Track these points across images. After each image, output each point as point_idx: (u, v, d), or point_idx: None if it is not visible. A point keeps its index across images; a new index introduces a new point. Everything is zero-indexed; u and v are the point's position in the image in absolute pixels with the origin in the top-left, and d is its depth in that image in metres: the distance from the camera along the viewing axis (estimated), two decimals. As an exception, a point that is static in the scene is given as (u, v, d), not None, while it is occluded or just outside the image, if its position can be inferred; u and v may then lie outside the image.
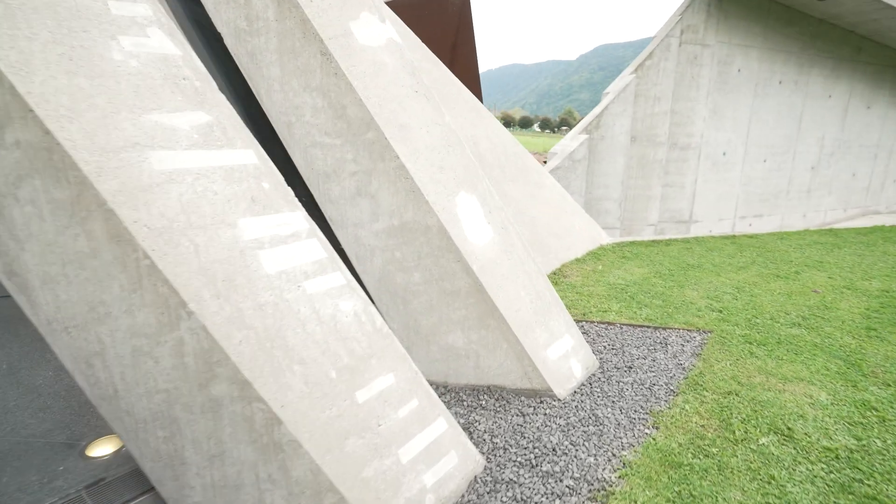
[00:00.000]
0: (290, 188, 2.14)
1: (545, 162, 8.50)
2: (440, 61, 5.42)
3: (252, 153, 2.06)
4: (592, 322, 4.19)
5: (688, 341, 3.89)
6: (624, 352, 3.67)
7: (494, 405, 2.88)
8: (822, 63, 9.59)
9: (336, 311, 2.07)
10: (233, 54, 2.66)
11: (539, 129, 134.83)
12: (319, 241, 2.14)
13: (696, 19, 8.24)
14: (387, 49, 2.93)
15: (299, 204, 2.14)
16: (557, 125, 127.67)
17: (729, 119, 9.00)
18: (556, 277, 5.43)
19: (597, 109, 8.11)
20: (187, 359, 1.73)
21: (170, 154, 1.79)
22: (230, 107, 2.06)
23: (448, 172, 2.94)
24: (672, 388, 3.17)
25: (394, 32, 3.06)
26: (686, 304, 4.74)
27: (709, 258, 6.44)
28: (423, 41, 6.32)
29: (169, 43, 1.93)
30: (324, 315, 2.02)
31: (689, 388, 3.16)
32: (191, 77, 1.95)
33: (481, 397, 2.95)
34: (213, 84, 2.03)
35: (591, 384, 3.19)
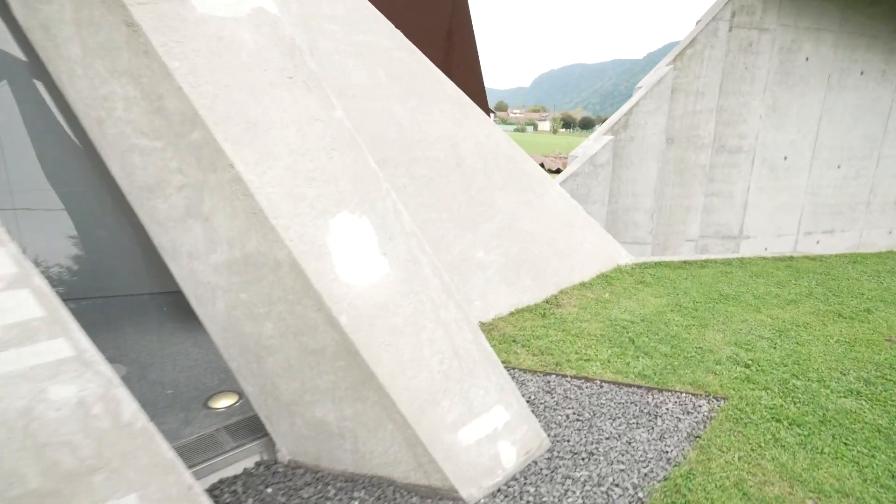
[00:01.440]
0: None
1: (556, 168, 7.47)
2: (417, 50, 4.64)
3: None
4: (564, 376, 3.25)
5: (688, 412, 2.89)
6: (592, 426, 2.73)
7: (370, 510, 2.08)
8: (918, 49, 7.91)
9: (36, 403, 1.36)
10: (23, 28, 2.03)
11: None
12: (34, 291, 1.44)
13: (752, -2, 6.94)
14: (249, 22, 2.21)
15: (5, 238, 1.45)
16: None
17: (792, 117, 7.58)
18: (548, 307, 4.50)
19: (625, 107, 7.00)
20: None
21: None
22: None
23: (323, 186, 2.17)
24: (640, 496, 2.22)
25: (267, 1, 2.32)
26: (703, 352, 3.68)
27: (750, 287, 5.24)
28: (409, 29, 5.56)
29: None
30: (6, 410, 1.32)
31: (666, 497, 2.20)
32: None
33: (356, 494, 2.15)
34: None
35: (525, 479, 2.31)
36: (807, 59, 7.40)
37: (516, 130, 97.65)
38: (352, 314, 2.06)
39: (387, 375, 2.07)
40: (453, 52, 5.80)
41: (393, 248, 2.32)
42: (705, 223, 7.66)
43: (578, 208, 5.57)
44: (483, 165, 4.75)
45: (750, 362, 3.54)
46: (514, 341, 3.73)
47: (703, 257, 6.27)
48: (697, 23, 7.07)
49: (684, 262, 6.08)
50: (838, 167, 8.10)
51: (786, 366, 3.53)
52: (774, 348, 3.81)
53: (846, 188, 8.28)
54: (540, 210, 5.11)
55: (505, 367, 3.30)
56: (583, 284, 5.13)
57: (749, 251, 7.92)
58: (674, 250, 7.60)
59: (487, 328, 4.00)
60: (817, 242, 8.42)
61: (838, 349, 3.85)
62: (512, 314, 4.33)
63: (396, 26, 5.49)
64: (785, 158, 7.72)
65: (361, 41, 4.22)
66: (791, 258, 6.56)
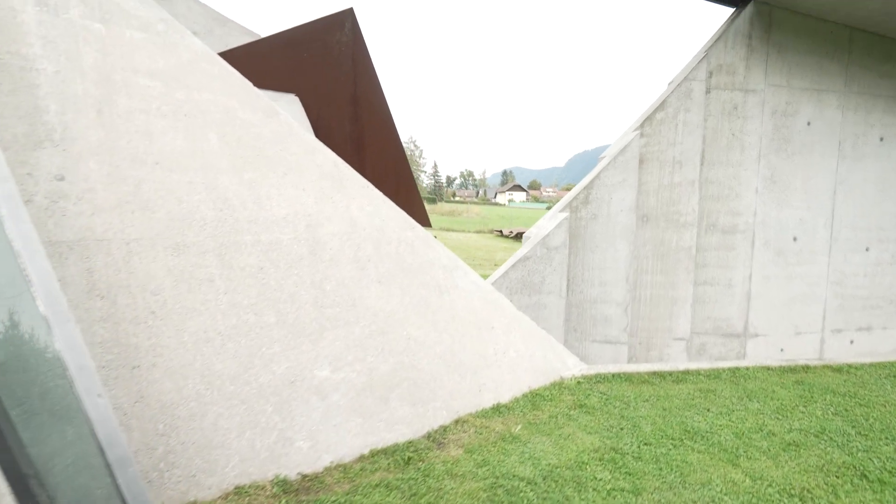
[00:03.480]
0: None
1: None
2: (280, 112, 3.79)
3: None
4: None
5: None
6: None
7: None
8: (951, 111, 6.63)
9: None
10: None
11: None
12: None
13: (733, 56, 5.97)
14: None
15: None
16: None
17: (797, 190, 6.30)
18: (423, 448, 3.20)
19: (586, 179, 5.94)
20: None
21: None
22: None
23: None
24: None
25: None
26: (613, 554, 2.28)
27: (735, 416, 3.77)
28: (308, 92, 4.83)
29: None
30: None
31: None
32: None
33: None
34: None
35: None
36: (808, 123, 6.24)
37: (548, 208, 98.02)
38: None
39: None
40: (362, 118, 4.99)
41: None
42: (699, 317, 6.22)
43: (503, 306, 4.36)
44: (354, 252, 3.69)
45: (686, 582, 2.12)
46: (313, 522, 2.44)
47: (683, 367, 4.83)
48: (669, 84, 6.12)
49: (654, 373, 4.66)
50: (867, 250, 6.61)
51: (749, 592, 2.08)
52: (740, 546, 2.36)
53: (881, 275, 6.73)
54: (440, 310, 3.94)
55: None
56: (496, 409, 3.81)
57: (759, 353, 6.36)
58: (660, 352, 6.14)
59: (294, 488, 2.73)
60: (851, 342, 6.75)
61: (850, 551, 2.37)
62: (361, 460, 3.05)
63: (282, 88, 4.75)
64: (794, 240, 6.34)
65: (190, 100, 3.39)
66: (806, 369, 5.02)
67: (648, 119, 5.85)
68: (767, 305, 6.35)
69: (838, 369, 5.07)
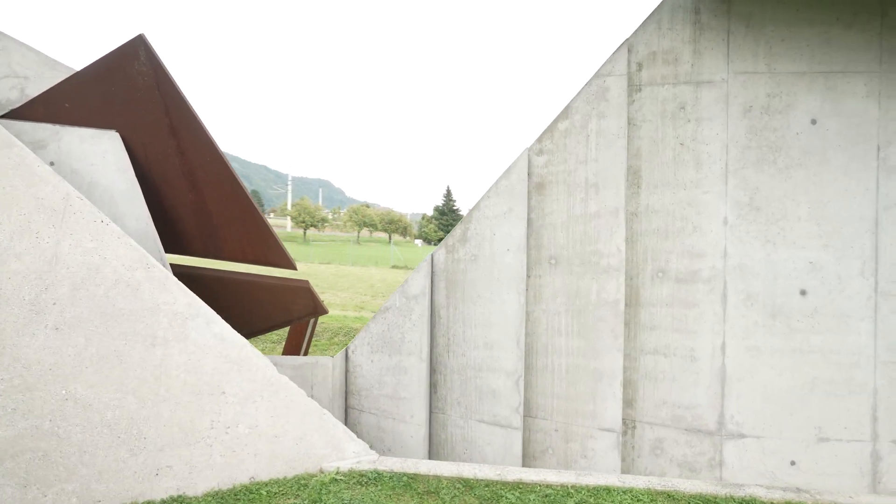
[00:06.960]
0: None
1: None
2: (14, 144, 3.55)
3: None
4: None
5: None
6: None
7: None
8: None
9: None
10: None
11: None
12: None
13: (672, 40, 4.37)
14: None
15: None
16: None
17: (801, 221, 4.22)
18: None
19: (469, 214, 4.71)
20: None
21: None
22: None
23: None
24: None
25: None
26: None
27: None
28: (128, 128, 4.66)
29: None
30: None
31: None
32: None
33: None
34: None
35: None
36: (813, 121, 4.23)
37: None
38: None
39: None
40: (188, 151, 4.62)
41: None
42: (650, 401, 4.37)
43: (255, 367, 3.44)
44: (37, 294, 3.19)
45: None
46: None
47: (516, 476, 3.26)
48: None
49: (461, 480, 3.21)
50: (952, 313, 4.12)
51: None
52: None
53: None
54: (140, 366, 3.20)
55: None
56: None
57: (750, 464, 4.22)
58: (581, 445, 4.41)
59: None
60: (940, 463, 4.15)
61: None
62: None
63: (102, 124, 4.63)
64: (802, 294, 4.22)
65: None
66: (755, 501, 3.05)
67: (549, 131, 4.50)
68: (760, 391, 4.23)
69: (813, 512, 2.99)
